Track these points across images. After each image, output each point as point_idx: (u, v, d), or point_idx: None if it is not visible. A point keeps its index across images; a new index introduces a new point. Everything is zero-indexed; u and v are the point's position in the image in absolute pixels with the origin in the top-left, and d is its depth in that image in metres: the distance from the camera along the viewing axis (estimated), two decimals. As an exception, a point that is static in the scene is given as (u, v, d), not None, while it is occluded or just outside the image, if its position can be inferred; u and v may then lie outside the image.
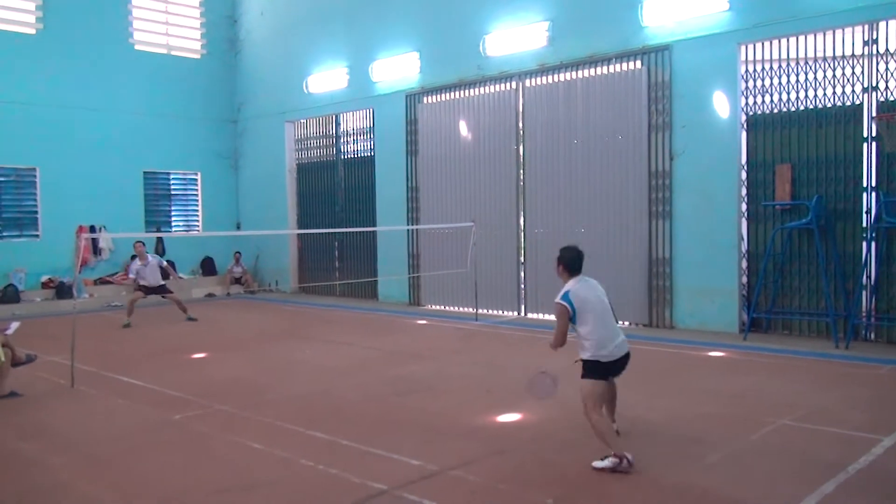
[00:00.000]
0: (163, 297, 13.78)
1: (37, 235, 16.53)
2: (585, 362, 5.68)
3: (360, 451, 5.85)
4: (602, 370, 5.65)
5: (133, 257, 14.54)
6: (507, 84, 13.68)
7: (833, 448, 5.75)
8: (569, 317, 5.70)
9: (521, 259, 13.61)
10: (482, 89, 14.11)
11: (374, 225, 16.21)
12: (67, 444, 6.31)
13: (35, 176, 16.47)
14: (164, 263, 14.17)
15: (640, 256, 11.95)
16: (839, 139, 10.25)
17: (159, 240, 18.25)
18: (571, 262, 5.88)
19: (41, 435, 6.58)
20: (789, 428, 6.31)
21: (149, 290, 13.50)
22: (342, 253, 17.61)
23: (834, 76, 10.28)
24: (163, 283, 13.72)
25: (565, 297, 5.71)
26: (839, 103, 10.27)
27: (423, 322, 13.26)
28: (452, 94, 14.66)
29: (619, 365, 5.74)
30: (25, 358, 8.13)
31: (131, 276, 13.73)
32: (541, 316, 13.22)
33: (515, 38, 13.40)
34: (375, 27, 16.06)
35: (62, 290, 16.01)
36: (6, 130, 15.86)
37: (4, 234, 16.21)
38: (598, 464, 5.47)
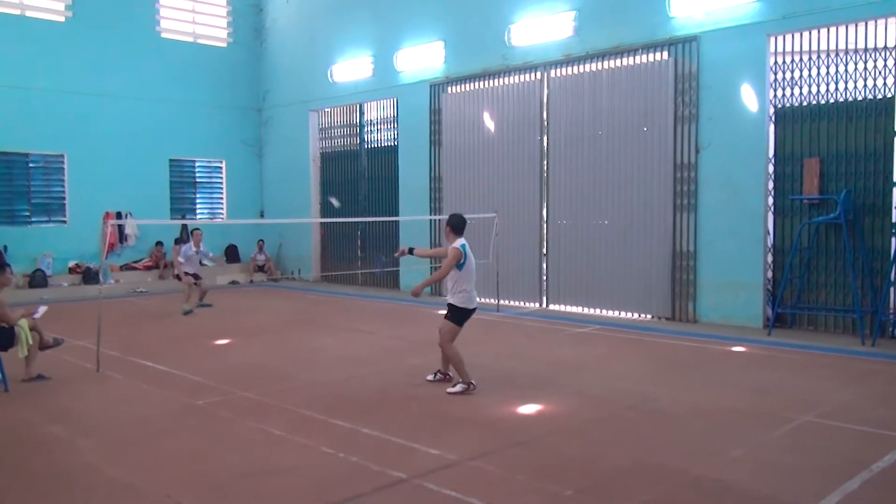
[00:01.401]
0: (195, 283, 13.62)
1: (64, 221, 16.77)
2: (456, 309, 7.34)
3: (381, 440, 5.88)
4: (465, 318, 7.38)
5: (177, 241, 15.38)
6: (532, 74, 13.60)
7: (857, 445, 5.69)
8: (459, 263, 7.25)
9: (544, 250, 13.56)
10: (506, 79, 14.04)
11: (397, 214, 16.24)
12: (93, 426, 6.42)
13: (63, 162, 16.70)
14: (211, 255, 14.39)
15: (664, 249, 11.86)
16: (869, 133, 10.09)
17: (184, 227, 18.42)
18: (458, 225, 7.44)
19: (68, 418, 6.69)
20: (813, 424, 6.25)
21: (190, 274, 13.52)
22: (364, 242, 17.67)
23: (865, 69, 10.10)
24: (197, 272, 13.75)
25: (463, 246, 7.31)
26: (869, 96, 10.09)
27: (445, 312, 13.24)
28: (477, 84, 14.61)
29: (468, 314, 7.44)
30: (53, 342, 8.26)
31: (180, 258, 13.51)
32: (563, 308, 13.18)
33: (541, 28, 13.31)
34: (400, 16, 16.04)
35: (89, 276, 16.24)
36: (35, 117, 16.08)
37: (33, 219, 16.46)
38: (451, 390, 7.16)
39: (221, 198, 19.57)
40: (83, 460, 5.55)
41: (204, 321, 12.34)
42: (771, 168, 10.95)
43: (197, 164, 19.11)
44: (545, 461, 5.43)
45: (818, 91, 10.55)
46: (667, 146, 11.76)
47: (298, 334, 11.13)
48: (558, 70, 13.21)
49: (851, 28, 10.16)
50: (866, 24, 10.02)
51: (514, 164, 13.93)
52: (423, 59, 15.50)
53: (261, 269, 18.94)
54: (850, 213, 10.01)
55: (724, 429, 6.16)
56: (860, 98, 10.17)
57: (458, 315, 7.37)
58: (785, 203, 10.87)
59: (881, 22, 9.90)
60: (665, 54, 11.78)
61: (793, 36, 10.68)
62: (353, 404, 7.00)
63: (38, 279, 15.65)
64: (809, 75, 10.61)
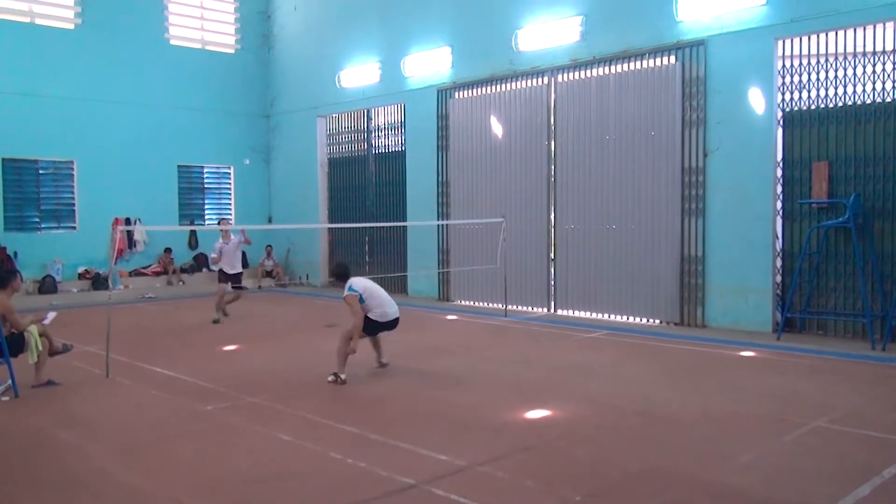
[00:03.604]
0: (232, 286, 12.56)
1: (74, 227, 16.85)
2: (371, 321, 8.08)
3: (389, 445, 5.88)
4: (372, 326, 8.15)
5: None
6: (539, 79, 13.61)
7: (868, 451, 5.65)
8: (359, 299, 8.01)
9: (552, 255, 13.55)
10: (514, 84, 14.05)
11: (405, 220, 16.25)
12: (103, 432, 6.43)
13: (73, 169, 16.80)
14: (242, 238, 12.69)
15: (673, 254, 11.83)
16: (878, 136, 10.04)
17: (192, 232, 18.50)
18: (342, 274, 8.43)
19: (78, 423, 6.72)
20: (824, 430, 6.21)
21: (227, 277, 12.46)
22: (372, 247, 17.69)
23: (874, 72, 10.07)
24: (241, 270, 12.70)
25: (350, 289, 8.08)
26: (878, 99, 10.05)
27: (453, 317, 13.27)
28: (484, 89, 14.63)
29: (390, 325, 8.29)
30: (62, 347, 8.28)
31: (213, 255, 12.66)
32: (571, 313, 13.16)
33: (548, 33, 13.32)
34: (407, 22, 16.08)
35: (98, 282, 16.31)
36: (45, 124, 16.18)
37: (43, 225, 16.56)
38: (330, 378, 7.94)
39: (230, 204, 19.64)
40: (93, 465, 5.57)
41: (212, 327, 12.34)
42: (779, 172, 10.92)
43: (205, 170, 19.19)
44: (554, 466, 5.41)
45: (826, 94, 10.51)
46: (674, 150, 11.74)
47: (306, 339, 11.14)
48: (565, 75, 13.21)
49: (860, 31, 10.12)
50: (874, 27, 9.98)
51: (521, 169, 13.92)
52: (430, 64, 15.53)
53: (269, 274, 18.99)
54: (859, 217, 9.96)
55: (734, 434, 6.13)
56: (869, 101, 10.13)
57: (370, 326, 8.17)
58: (794, 207, 10.83)
59: (889, 25, 9.86)
60: (672, 58, 11.77)
61: (801, 39, 10.65)
62: (361, 409, 7.00)
63: (47, 285, 15.73)
64: (818, 79, 10.58)
